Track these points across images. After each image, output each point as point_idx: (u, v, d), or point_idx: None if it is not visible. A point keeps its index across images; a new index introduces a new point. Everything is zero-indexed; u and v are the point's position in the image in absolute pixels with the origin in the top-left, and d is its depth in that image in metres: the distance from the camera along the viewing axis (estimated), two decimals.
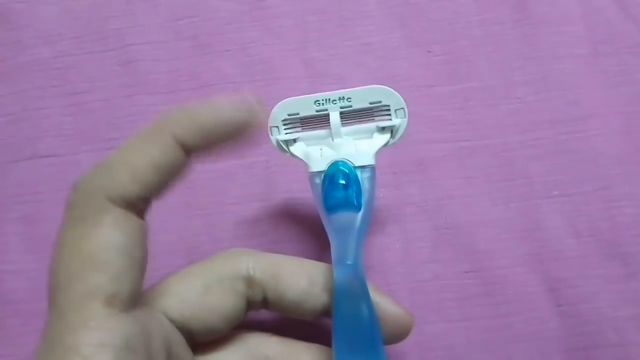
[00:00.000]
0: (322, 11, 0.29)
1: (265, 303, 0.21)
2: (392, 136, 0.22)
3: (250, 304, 0.20)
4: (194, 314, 0.19)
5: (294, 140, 0.22)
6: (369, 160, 0.21)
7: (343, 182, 0.21)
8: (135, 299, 0.17)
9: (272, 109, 0.22)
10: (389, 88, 0.21)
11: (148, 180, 0.17)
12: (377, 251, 0.26)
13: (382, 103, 0.21)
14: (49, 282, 0.16)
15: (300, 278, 0.20)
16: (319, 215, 0.21)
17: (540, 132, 0.27)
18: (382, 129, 0.22)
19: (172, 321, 0.19)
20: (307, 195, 0.22)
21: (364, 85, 0.21)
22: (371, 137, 0.22)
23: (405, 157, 0.27)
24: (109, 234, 0.16)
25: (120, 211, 0.17)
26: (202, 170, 0.27)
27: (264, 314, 0.24)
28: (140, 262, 0.17)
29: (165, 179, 0.17)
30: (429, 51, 0.28)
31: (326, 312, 0.20)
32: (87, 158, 0.28)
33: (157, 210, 0.18)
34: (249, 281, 0.20)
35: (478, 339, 0.24)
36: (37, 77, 0.29)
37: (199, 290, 0.19)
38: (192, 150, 0.18)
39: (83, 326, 0.15)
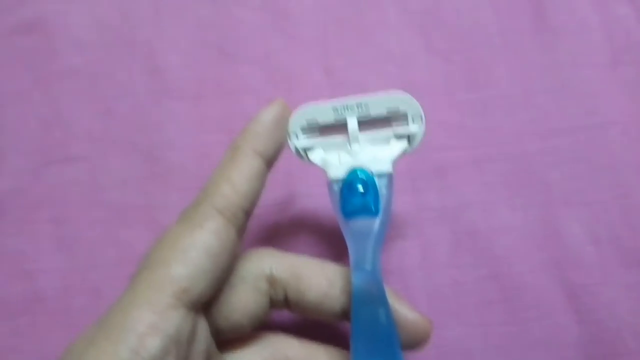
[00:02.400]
0: (343, 21, 0.30)
1: (287, 303, 0.21)
2: (409, 143, 0.22)
3: (272, 303, 0.21)
4: (218, 311, 0.20)
5: (312, 147, 0.23)
6: (386, 167, 0.22)
7: (361, 188, 0.21)
8: (201, 302, 0.18)
9: (290, 116, 0.22)
10: (407, 95, 0.21)
11: (245, 190, 0.19)
12: (396, 255, 0.26)
13: (400, 110, 0.22)
14: (139, 263, 0.19)
15: (320, 279, 0.21)
16: (337, 221, 0.22)
17: (559, 140, 0.27)
18: (400, 136, 0.22)
19: None
20: (327, 200, 0.23)
21: (383, 90, 0.22)
22: (388, 143, 0.22)
23: (424, 164, 0.27)
24: (205, 236, 0.18)
25: (222, 221, 0.19)
26: None
27: (286, 318, 0.25)
28: (222, 272, 0.19)
29: (256, 188, 0.20)
30: (448, 59, 0.29)
31: (345, 314, 0.21)
32: (116, 161, 0.29)
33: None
34: (271, 280, 0.21)
35: (496, 344, 0.24)
36: (70, 84, 0.30)
37: (224, 288, 0.20)
38: (268, 157, 0.20)
39: (148, 305, 0.17)
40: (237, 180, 0.19)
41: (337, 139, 0.22)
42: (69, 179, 0.29)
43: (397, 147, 0.22)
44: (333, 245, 0.26)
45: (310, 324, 0.25)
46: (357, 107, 0.22)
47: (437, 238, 0.26)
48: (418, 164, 0.27)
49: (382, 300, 0.20)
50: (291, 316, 0.25)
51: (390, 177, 0.22)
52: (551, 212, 0.26)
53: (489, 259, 0.25)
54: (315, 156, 0.22)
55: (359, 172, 0.21)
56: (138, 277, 0.18)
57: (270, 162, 0.21)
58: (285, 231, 0.27)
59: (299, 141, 0.22)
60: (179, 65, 0.30)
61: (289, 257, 0.21)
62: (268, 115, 0.21)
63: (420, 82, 0.29)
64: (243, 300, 0.20)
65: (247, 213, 0.20)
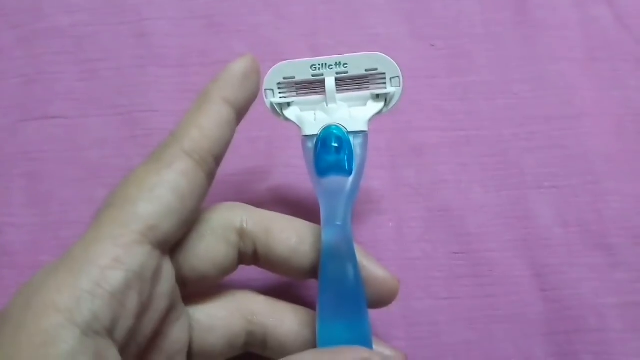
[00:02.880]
0: (332, 1, 0.30)
1: (255, 258, 0.21)
2: (386, 104, 0.22)
3: (241, 256, 0.21)
4: (186, 260, 0.20)
5: (288, 104, 0.22)
6: (362, 126, 0.21)
7: (336, 145, 0.21)
8: (167, 242, 0.18)
9: (267, 72, 0.22)
10: (385, 56, 0.21)
11: (213, 135, 0.19)
12: (370, 228, 0.26)
13: (378, 70, 0.22)
14: (104, 200, 0.18)
15: (290, 234, 0.21)
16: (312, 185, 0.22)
17: (534, 127, 0.28)
18: (377, 97, 0.22)
19: None
20: (306, 171, 0.22)
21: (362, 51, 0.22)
22: (365, 104, 0.22)
23: (403, 142, 0.28)
24: (173, 176, 0.18)
25: (191, 163, 0.18)
26: None
27: (255, 281, 0.25)
28: (189, 213, 0.19)
29: (225, 134, 0.20)
30: (432, 45, 0.30)
31: (313, 272, 0.21)
32: (95, 122, 0.29)
33: None
34: (241, 233, 0.21)
35: (463, 317, 0.25)
36: (54, 44, 0.30)
37: (192, 238, 0.20)
38: (237, 107, 0.20)
39: (112, 240, 0.17)
40: (205, 125, 0.19)
41: (314, 97, 0.22)
42: (46, 136, 0.28)
43: (374, 107, 0.22)
44: (309, 214, 0.26)
45: (278, 287, 0.25)
46: (336, 65, 0.21)
47: (412, 213, 0.26)
48: (397, 142, 0.28)
49: (351, 257, 0.20)
50: (259, 282, 0.25)
51: (365, 136, 0.22)
52: (523, 194, 0.26)
53: (461, 235, 0.26)
54: (291, 113, 0.22)
55: (333, 129, 0.21)
56: (103, 213, 0.18)
57: (239, 112, 0.20)
58: (262, 200, 0.27)
59: (275, 98, 0.22)
60: (166, 33, 0.30)
61: (261, 212, 0.21)
62: (237, 65, 0.20)
63: (404, 66, 0.28)
64: (211, 250, 0.20)
65: (216, 159, 0.20)
